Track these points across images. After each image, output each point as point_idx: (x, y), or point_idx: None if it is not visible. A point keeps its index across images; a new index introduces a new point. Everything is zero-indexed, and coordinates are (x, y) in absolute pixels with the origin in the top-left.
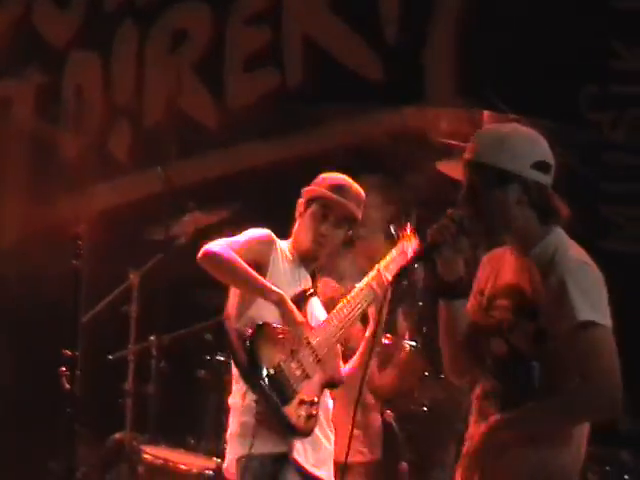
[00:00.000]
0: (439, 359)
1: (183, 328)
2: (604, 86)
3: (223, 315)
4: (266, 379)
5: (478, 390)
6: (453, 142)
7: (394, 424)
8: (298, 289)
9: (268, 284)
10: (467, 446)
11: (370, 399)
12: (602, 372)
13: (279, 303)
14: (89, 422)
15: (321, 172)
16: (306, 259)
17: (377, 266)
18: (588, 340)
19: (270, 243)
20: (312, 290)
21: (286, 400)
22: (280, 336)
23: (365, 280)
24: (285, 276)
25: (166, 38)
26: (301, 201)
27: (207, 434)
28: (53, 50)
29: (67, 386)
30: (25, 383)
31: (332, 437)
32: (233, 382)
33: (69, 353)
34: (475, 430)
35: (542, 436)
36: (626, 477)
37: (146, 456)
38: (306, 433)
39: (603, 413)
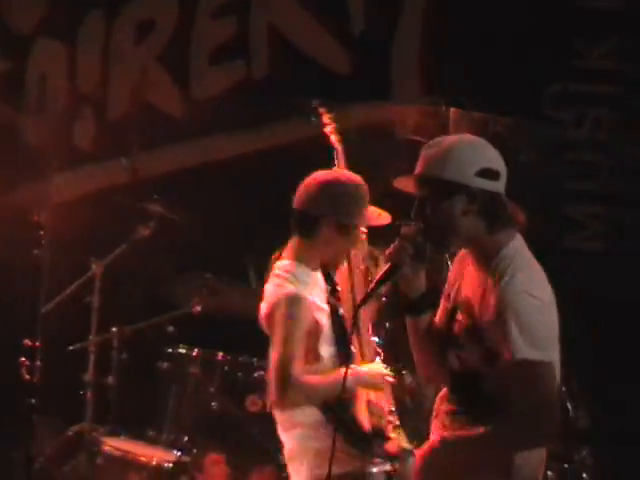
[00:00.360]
0: (402, 356)
1: (145, 320)
2: (567, 85)
3: None
4: None
5: (442, 392)
6: (419, 138)
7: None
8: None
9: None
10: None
11: None
12: (538, 408)
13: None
14: (49, 413)
15: (287, 165)
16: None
17: None
18: (524, 377)
19: (308, 307)
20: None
21: None
22: None
23: None
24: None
25: (132, 29)
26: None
27: (167, 426)
28: (18, 37)
29: (27, 376)
30: None
31: None
32: None
33: (29, 343)
34: (432, 436)
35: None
36: (584, 476)
37: (106, 447)
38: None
39: (537, 445)
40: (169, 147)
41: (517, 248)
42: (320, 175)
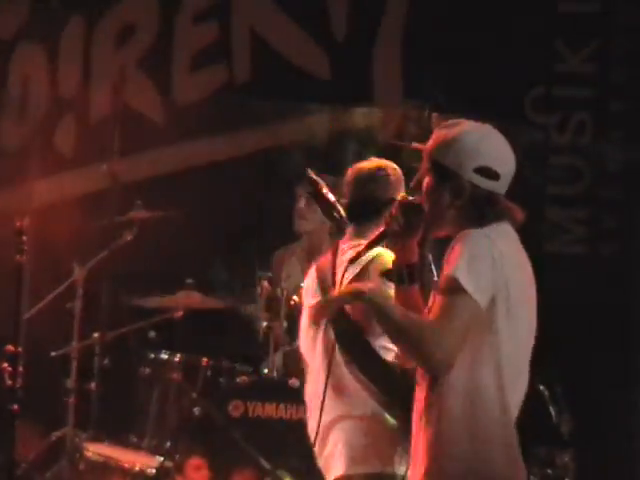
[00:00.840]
0: None
1: (127, 325)
2: (550, 89)
3: None
4: None
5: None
6: (401, 143)
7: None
8: None
9: None
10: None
11: None
12: (446, 325)
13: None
14: (31, 419)
15: (269, 169)
16: None
17: None
18: (447, 300)
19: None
20: None
21: None
22: None
23: None
24: None
25: (113, 33)
26: None
27: (150, 432)
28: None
29: (9, 382)
30: None
31: None
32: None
33: (12, 349)
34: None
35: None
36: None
37: (88, 453)
38: None
39: (425, 358)
40: (151, 152)
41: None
42: (373, 163)
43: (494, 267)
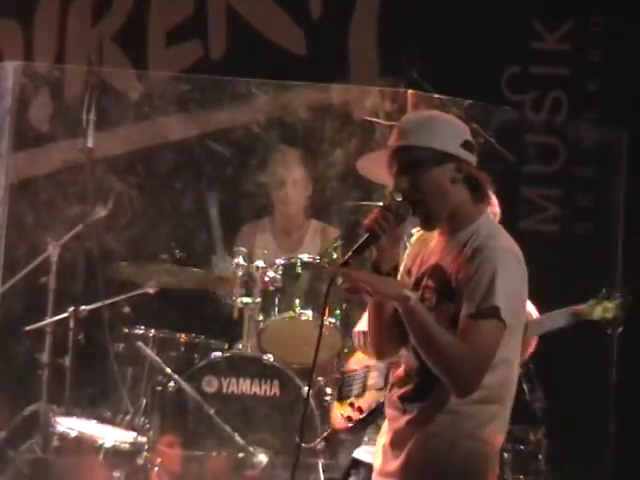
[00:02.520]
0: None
1: (101, 301)
2: (526, 67)
3: None
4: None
5: (393, 378)
6: (376, 120)
7: (310, 399)
8: None
9: None
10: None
11: None
12: (484, 356)
13: None
14: (4, 393)
15: (243, 145)
16: None
17: None
18: (483, 327)
19: None
20: None
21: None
22: None
23: None
24: None
25: (89, 8)
26: None
27: (123, 407)
28: None
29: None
30: None
31: None
32: None
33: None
34: (390, 425)
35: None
36: (539, 457)
37: (61, 428)
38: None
39: (451, 379)
40: (125, 127)
41: (490, 222)
42: None
43: (525, 293)
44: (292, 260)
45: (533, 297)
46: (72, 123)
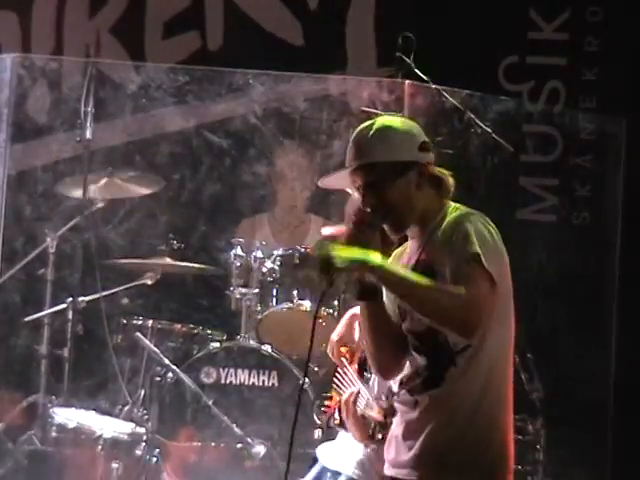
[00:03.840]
0: None
1: (99, 292)
2: (523, 57)
3: None
4: None
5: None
6: (373, 110)
7: (309, 391)
8: None
9: None
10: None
11: None
12: (475, 294)
13: None
14: (4, 384)
15: (241, 136)
16: None
17: None
18: (472, 271)
19: None
20: None
21: None
22: None
23: None
24: None
25: (86, 0)
26: None
27: (122, 398)
28: None
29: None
30: None
31: None
32: None
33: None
34: (401, 418)
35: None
36: (538, 447)
37: (60, 419)
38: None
39: (455, 323)
40: (123, 119)
41: (452, 205)
42: None
43: (503, 250)
44: (290, 251)
45: (531, 286)
46: (70, 115)
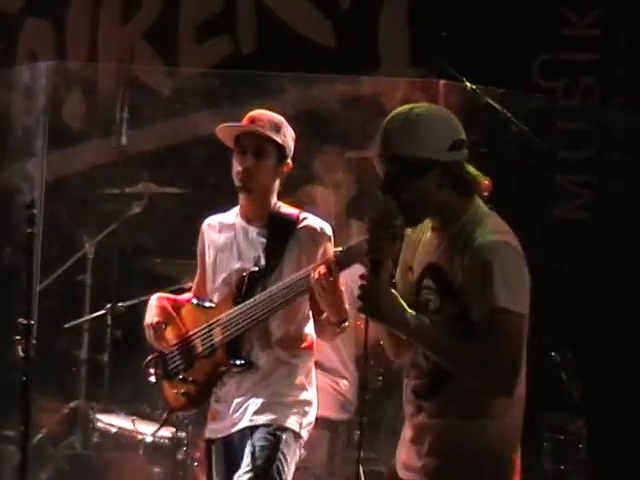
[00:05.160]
0: None
1: (137, 297)
2: (557, 54)
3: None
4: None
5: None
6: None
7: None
8: (251, 251)
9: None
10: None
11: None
12: (508, 349)
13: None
14: (44, 391)
15: None
16: (250, 212)
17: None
18: (502, 327)
19: (201, 234)
20: (259, 270)
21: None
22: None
23: (304, 270)
24: (225, 248)
25: (119, 6)
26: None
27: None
28: (7, 17)
29: (22, 355)
30: None
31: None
32: None
33: (24, 322)
34: (408, 421)
35: (471, 409)
36: (580, 446)
37: (101, 424)
38: (176, 408)
39: (491, 381)
40: (157, 124)
41: (479, 211)
42: None
43: (527, 279)
44: None
45: (569, 285)
46: (105, 121)
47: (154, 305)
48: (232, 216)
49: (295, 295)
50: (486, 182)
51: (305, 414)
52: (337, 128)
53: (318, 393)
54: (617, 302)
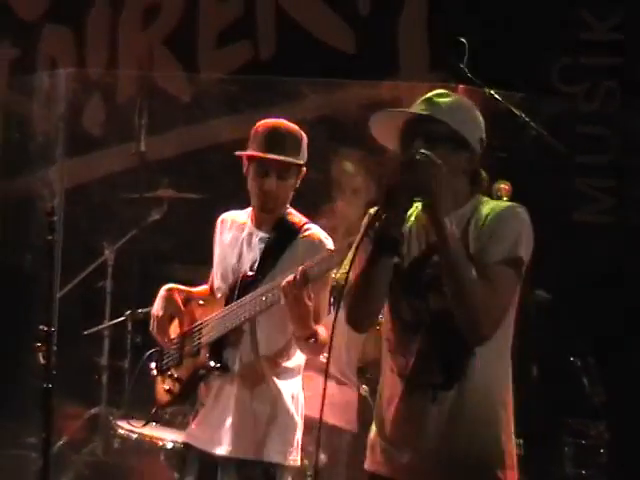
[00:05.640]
0: None
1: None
2: (576, 58)
3: None
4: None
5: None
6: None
7: (369, 399)
8: (250, 254)
9: None
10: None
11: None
12: (501, 301)
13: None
14: (65, 397)
15: None
16: (261, 217)
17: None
18: (506, 274)
19: (216, 229)
20: (253, 274)
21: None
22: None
23: (279, 279)
24: (230, 246)
25: (139, 12)
26: (244, 161)
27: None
28: (27, 24)
29: (43, 361)
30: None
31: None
32: None
33: (45, 328)
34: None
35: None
36: (602, 451)
37: (121, 431)
38: (161, 404)
39: (470, 321)
40: (177, 130)
41: (482, 197)
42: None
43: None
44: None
45: (590, 289)
46: (124, 127)
47: (162, 296)
48: (245, 215)
49: (271, 303)
50: (505, 187)
51: (292, 443)
52: (357, 133)
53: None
54: (637, 305)
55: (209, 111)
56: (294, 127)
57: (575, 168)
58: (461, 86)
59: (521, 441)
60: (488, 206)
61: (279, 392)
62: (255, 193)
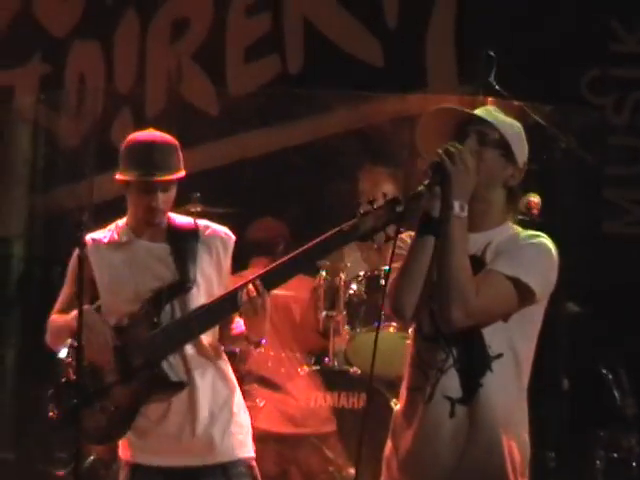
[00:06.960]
0: None
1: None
2: (606, 69)
3: None
4: None
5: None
6: None
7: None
8: (161, 267)
9: (69, 320)
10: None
11: None
12: (489, 309)
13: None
14: None
15: (323, 159)
16: (148, 230)
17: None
18: (505, 290)
19: (85, 257)
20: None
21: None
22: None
23: (230, 290)
24: (126, 266)
25: (167, 27)
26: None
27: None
28: (56, 40)
29: (73, 377)
30: (28, 374)
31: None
32: None
33: (75, 343)
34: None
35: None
36: (633, 464)
37: None
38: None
39: (452, 310)
40: (206, 145)
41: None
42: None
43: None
44: (375, 272)
45: (621, 301)
46: None
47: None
48: (111, 234)
49: (224, 317)
50: (535, 199)
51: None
52: (385, 146)
53: (264, 408)
54: None
55: (238, 125)
56: (168, 137)
57: (605, 180)
58: (490, 99)
59: (553, 454)
60: (514, 231)
61: (235, 391)
62: (142, 209)
